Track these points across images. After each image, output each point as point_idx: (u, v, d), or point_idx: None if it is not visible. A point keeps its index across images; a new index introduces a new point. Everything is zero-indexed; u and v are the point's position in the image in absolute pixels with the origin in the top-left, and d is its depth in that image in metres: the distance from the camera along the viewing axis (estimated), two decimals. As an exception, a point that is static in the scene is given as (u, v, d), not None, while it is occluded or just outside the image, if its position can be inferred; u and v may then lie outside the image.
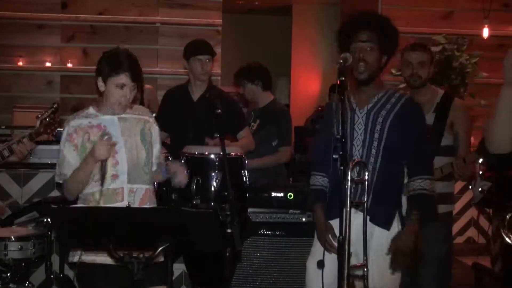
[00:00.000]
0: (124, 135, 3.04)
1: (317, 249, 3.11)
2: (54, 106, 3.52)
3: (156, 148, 3.20)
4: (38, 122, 3.46)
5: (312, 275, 3.12)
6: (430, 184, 3.07)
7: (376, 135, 3.06)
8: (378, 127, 3.07)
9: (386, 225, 3.07)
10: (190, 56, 4.20)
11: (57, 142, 4.66)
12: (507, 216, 3.96)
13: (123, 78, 2.98)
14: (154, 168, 3.18)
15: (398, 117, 3.07)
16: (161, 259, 3.02)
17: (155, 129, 3.20)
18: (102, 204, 2.96)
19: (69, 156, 3.02)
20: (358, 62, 2.99)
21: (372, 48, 3.02)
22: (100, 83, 3.03)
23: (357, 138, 3.07)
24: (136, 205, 3.00)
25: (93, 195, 2.99)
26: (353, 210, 2.84)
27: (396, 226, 3.09)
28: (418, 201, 3.05)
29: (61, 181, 3.06)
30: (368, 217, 2.93)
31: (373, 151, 3.06)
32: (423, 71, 3.81)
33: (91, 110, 3.08)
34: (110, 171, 2.98)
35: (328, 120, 3.22)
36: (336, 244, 2.84)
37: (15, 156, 3.45)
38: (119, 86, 2.98)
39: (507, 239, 3.77)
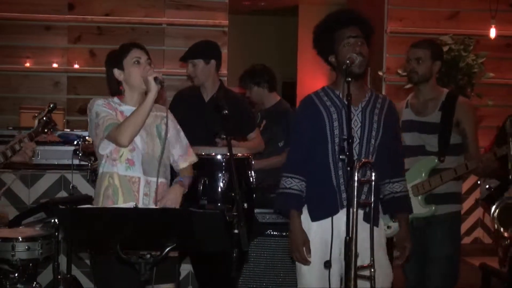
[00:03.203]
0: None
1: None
2: (51, 106, 3.54)
3: (176, 147, 3.24)
4: (36, 121, 3.48)
5: (307, 279, 3.11)
6: (406, 185, 3.26)
7: (373, 133, 3.08)
8: (375, 126, 3.09)
9: (377, 222, 3.09)
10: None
11: (63, 143, 4.74)
12: (493, 210, 4.03)
13: (137, 52, 3.09)
14: (174, 166, 3.24)
15: (388, 116, 3.13)
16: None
17: (172, 126, 3.23)
18: (121, 191, 3.01)
19: (111, 112, 3.05)
20: (355, 60, 2.98)
21: (362, 42, 3.07)
22: (117, 73, 3.11)
23: (353, 135, 3.04)
24: (151, 197, 3.04)
25: (112, 177, 3.03)
26: (344, 210, 2.87)
27: (382, 222, 3.17)
28: (405, 202, 3.23)
29: (105, 137, 3.01)
30: (362, 217, 2.99)
31: (371, 148, 3.07)
32: (420, 67, 3.82)
33: (115, 99, 3.15)
34: (125, 154, 3.03)
35: (306, 114, 3.15)
36: (308, 258, 3.02)
37: (19, 156, 3.47)
38: (136, 62, 3.06)
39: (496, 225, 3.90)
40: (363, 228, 2.85)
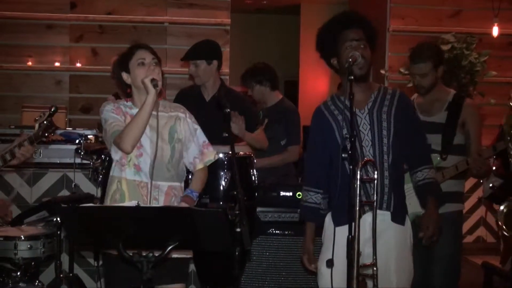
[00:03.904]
0: (151, 130, 3.06)
1: (326, 256, 3.09)
2: (52, 109, 3.53)
3: (191, 148, 3.21)
4: (37, 125, 3.47)
5: (326, 279, 3.11)
6: (433, 172, 3.24)
7: (385, 132, 3.07)
8: (384, 124, 3.08)
9: (403, 221, 3.11)
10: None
11: (65, 142, 4.74)
12: (502, 208, 4.04)
13: (141, 53, 3.07)
14: (190, 167, 3.23)
15: (399, 110, 3.12)
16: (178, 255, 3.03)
17: (187, 126, 3.20)
18: (128, 196, 3.01)
19: (119, 118, 3.05)
20: (358, 58, 2.99)
21: (365, 45, 3.07)
22: (125, 76, 3.10)
23: (365, 139, 3.06)
24: (160, 201, 3.04)
25: (120, 181, 3.04)
26: (369, 213, 2.92)
27: (407, 220, 3.15)
28: (431, 188, 3.19)
29: (112, 143, 3.03)
30: (390, 217, 3.03)
31: (385, 149, 3.06)
32: (425, 81, 3.86)
33: (128, 103, 3.15)
34: (133, 160, 3.02)
35: (317, 127, 3.22)
36: (311, 267, 3.17)
37: (16, 160, 3.47)
38: (140, 63, 3.04)
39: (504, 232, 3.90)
40: (388, 228, 2.96)
